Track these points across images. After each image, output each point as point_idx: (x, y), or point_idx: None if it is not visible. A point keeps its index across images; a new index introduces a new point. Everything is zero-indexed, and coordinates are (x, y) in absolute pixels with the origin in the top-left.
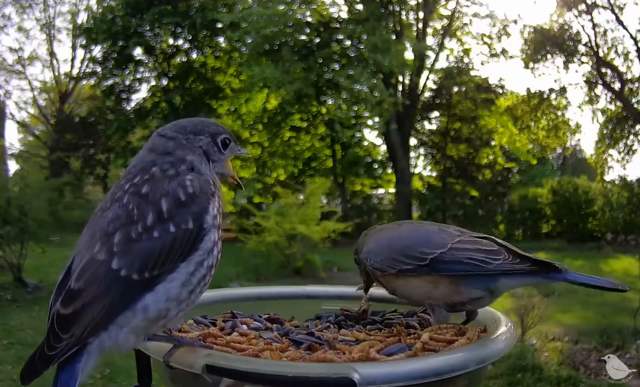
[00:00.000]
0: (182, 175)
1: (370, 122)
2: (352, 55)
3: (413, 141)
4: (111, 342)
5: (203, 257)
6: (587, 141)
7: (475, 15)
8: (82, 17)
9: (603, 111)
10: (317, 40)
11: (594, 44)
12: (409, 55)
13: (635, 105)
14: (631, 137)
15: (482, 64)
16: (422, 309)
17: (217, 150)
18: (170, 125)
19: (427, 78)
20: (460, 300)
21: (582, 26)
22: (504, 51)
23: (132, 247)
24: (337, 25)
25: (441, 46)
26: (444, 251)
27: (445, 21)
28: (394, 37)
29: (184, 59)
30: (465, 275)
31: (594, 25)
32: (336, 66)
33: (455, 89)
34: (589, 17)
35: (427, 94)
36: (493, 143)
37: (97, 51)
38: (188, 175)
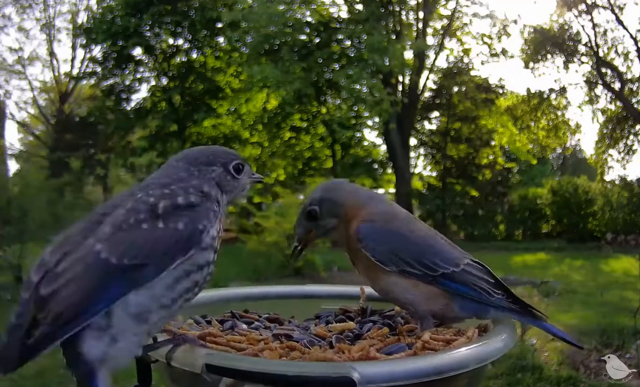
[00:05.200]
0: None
1: (370, 122)
2: (352, 55)
3: (413, 141)
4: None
5: (192, 269)
6: (587, 141)
7: (475, 15)
8: (82, 17)
9: (603, 111)
10: (317, 40)
11: (594, 44)
12: (409, 55)
13: (635, 105)
14: (631, 137)
15: (482, 64)
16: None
17: (230, 178)
18: (180, 155)
19: (427, 78)
20: (448, 316)
21: (582, 26)
22: (504, 51)
23: (119, 236)
24: (337, 25)
25: (441, 46)
26: (456, 270)
27: (445, 21)
28: (394, 37)
29: (184, 59)
30: (464, 297)
31: (594, 25)
32: (336, 66)
33: (455, 89)
34: (589, 17)
35: (427, 94)
36: (493, 143)
37: (97, 51)
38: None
